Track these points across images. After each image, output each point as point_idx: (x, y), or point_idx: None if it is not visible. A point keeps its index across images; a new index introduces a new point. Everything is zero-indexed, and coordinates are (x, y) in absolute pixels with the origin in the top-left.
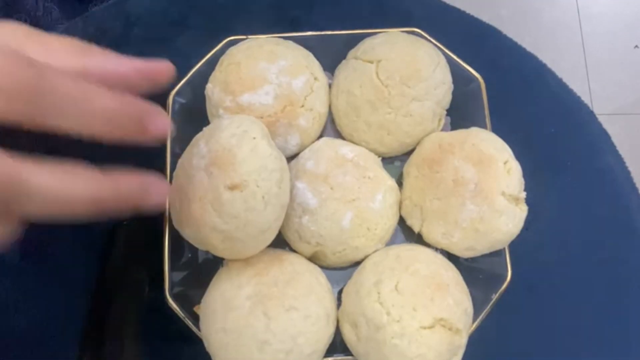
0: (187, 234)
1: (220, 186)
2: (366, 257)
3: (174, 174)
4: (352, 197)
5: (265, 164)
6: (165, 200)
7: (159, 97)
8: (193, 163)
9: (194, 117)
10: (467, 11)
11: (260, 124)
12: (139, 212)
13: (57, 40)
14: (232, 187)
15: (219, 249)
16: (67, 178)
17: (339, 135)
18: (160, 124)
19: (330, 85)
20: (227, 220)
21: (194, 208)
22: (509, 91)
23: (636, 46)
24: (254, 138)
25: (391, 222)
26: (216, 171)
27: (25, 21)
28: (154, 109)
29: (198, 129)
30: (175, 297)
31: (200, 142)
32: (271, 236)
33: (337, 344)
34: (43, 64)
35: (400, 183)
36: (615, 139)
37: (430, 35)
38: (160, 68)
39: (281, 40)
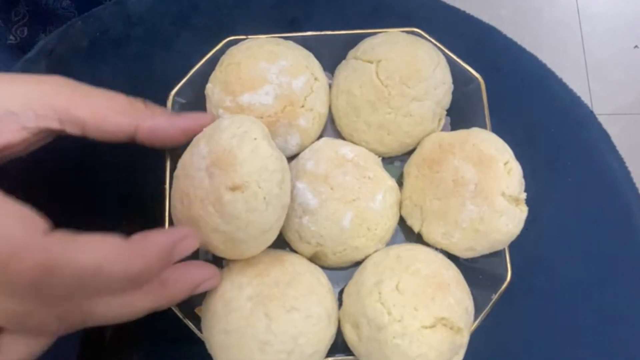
0: None
1: (222, 187)
2: (367, 257)
3: (175, 174)
4: (352, 197)
5: (266, 164)
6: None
7: (159, 98)
8: (194, 163)
9: None
10: (467, 11)
11: (261, 124)
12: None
13: (102, 97)
14: (233, 188)
15: (219, 249)
16: (130, 303)
17: (339, 135)
18: (209, 283)
19: (330, 86)
20: (228, 221)
21: (194, 209)
22: (509, 91)
23: (636, 46)
24: (255, 139)
25: (391, 222)
26: (217, 172)
27: (34, 7)
28: (200, 274)
29: None
30: None
31: (201, 143)
32: (272, 236)
33: (339, 344)
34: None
35: (400, 183)
36: (615, 139)
37: (430, 35)
38: (204, 122)
39: (281, 40)
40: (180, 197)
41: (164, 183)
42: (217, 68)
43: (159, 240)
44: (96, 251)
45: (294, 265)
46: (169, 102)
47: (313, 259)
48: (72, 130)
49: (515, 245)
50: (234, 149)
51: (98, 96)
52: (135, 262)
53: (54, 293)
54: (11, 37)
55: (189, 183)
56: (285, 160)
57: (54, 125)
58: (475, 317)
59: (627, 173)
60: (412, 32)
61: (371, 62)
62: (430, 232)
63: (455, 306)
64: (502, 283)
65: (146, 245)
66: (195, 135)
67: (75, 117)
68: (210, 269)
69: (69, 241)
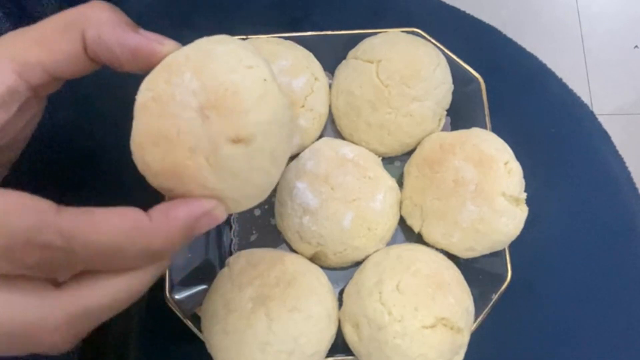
0: (160, 183)
1: (220, 137)
2: (367, 257)
3: (140, 101)
4: (352, 197)
5: (277, 115)
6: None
7: None
8: (177, 97)
9: None
10: (467, 11)
11: (263, 57)
12: None
13: (42, 28)
14: (235, 140)
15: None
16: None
17: (339, 135)
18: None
19: (330, 86)
20: (223, 179)
21: (178, 157)
22: (509, 91)
23: (636, 46)
24: (265, 80)
25: (392, 222)
26: (215, 117)
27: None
28: (195, 206)
29: None
30: (175, 298)
31: (186, 72)
32: (266, 195)
33: (339, 344)
34: None
35: (400, 183)
36: (615, 139)
37: (430, 35)
38: (163, 49)
39: (281, 40)
40: (155, 139)
41: None
42: None
43: (181, 216)
44: (117, 229)
45: (295, 266)
46: None
47: (313, 259)
48: (35, 78)
49: (515, 245)
50: (239, 89)
51: (37, 28)
52: (157, 240)
53: (67, 271)
54: None
55: (170, 123)
56: (290, 106)
57: (12, 82)
58: (475, 317)
59: (627, 173)
60: (412, 32)
61: (371, 62)
62: (431, 232)
63: (455, 306)
64: (502, 283)
65: (169, 222)
66: (150, 64)
67: (31, 62)
68: (207, 202)
69: (86, 218)
